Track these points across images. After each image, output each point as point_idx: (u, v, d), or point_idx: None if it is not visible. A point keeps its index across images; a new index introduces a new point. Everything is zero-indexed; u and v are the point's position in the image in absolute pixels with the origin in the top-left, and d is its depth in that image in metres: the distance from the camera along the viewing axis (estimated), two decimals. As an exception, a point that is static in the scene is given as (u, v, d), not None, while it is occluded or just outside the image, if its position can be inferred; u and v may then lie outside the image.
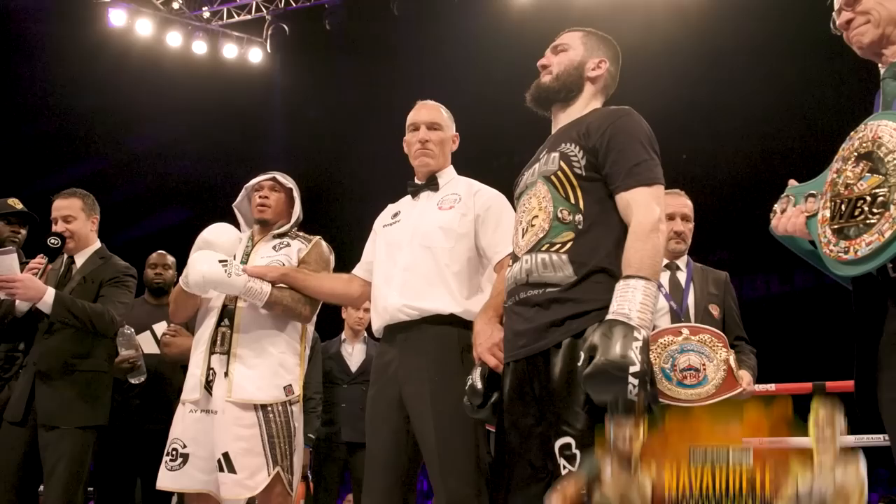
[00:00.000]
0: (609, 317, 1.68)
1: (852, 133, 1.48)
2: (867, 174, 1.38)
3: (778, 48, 8.30)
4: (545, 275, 1.86)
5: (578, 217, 1.87)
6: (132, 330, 3.42)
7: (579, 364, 1.67)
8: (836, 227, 1.43)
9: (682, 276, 2.79)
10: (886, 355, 1.48)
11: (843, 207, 1.42)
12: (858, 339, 1.55)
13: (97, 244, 3.24)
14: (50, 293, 2.90)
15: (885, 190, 1.33)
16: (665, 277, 2.78)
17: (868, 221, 1.35)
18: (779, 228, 1.67)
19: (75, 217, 3.15)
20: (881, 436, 3.93)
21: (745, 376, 2.59)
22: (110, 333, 3.09)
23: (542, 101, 2.09)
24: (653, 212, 1.81)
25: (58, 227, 3.11)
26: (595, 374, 1.61)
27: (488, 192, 2.45)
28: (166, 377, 3.54)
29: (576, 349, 1.76)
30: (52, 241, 3.01)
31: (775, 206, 1.70)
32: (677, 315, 2.66)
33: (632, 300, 1.68)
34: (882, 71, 1.59)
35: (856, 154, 1.43)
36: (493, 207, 2.41)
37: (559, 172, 1.92)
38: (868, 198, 1.36)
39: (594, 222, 1.86)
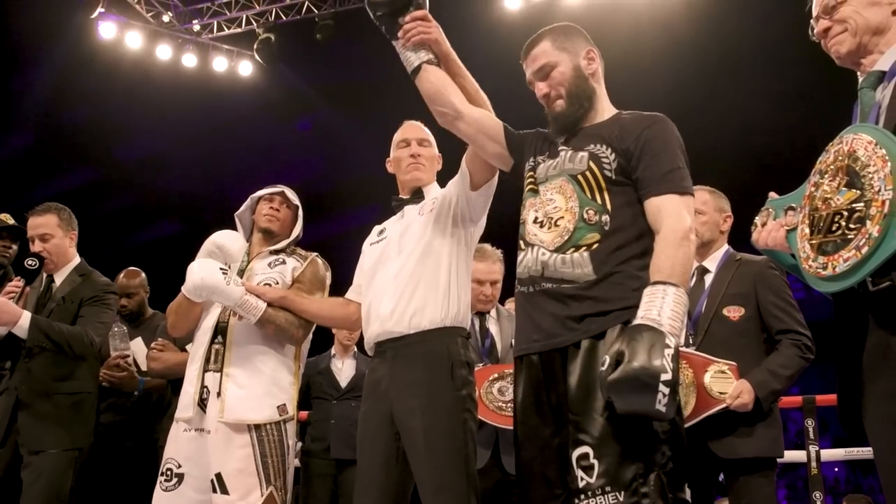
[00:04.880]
0: (638, 321, 1.63)
1: (829, 146, 1.48)
2: (843, 189, 1.38)
3: (764, 57, 8.36)
4: (562, 270, 1.83)
5: (605, 218, 1.84)
6: (125, 328, 3.41)
7: (602, 369, 1.62)
8: (814, 242, 1.43)
9: (709, 279, 2.66)
10: (870, 369, 1.48)
11: (820, 222, 1.42)
12: (840, 353, 1.55)
13: (76, 260, 3.17)
14: (25, 318, 2.84)
15: (862, 205, 1.33)
16: (691, 283, 2.62)
17: (846, 237, 1.35)
18: (759, 242, 1.67)
19: (52, 235, 3.08)
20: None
21: (737, 389, 2.41)
22: (90, 356, 3.04)
23: (571, 125, 1.99)
24: (685, 220, 1.78)
25: (35, 247, 3.03)
26: (623, 381, 1.55)
27: (455, 177, 2.44)
28: (151, 394, 3.52)
29: (595, 353, 1.74)
30: (30, 262, 2.94)
31: (756, 219, 1.70)
32: (689, 327, 2.56)
33: (662, 306, 1.63)
34: (860, 80, 1.60)
35: (832, 168, 1.43)
36: (454, 180, 2.41)
37: (587, 173, 1.88)
38: (845, 213, 1.36)
39: (620, 225, 1.84)
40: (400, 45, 2.20)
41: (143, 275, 3.88)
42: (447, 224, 2.36)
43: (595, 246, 1.83)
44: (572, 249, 1.84)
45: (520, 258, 1.98)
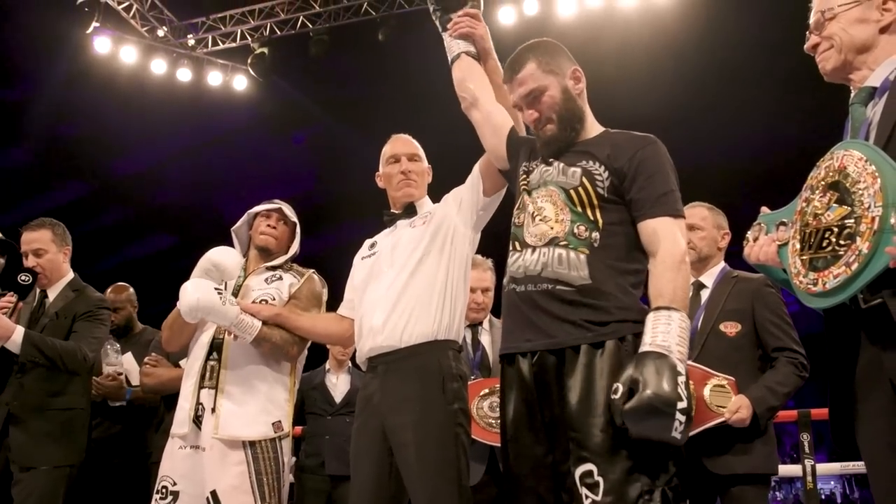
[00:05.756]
0: (648, 348, 1.65)
1: (819, 162, 1.49)
2: (834, 204, 1.39)
3: (758, 69, 8.41)
4: (559, 270, 1.84)
5: (595, 235, 1.85)
6: (118, 346, 3.40)
7: (616, 397, 1.63)
8: (805, 258, 1.44)
9: (705, 294, 2.69)
10: (862, 386, 1.48)
11: (811, 238, 1.42)
12: (832, 368, 1.55)
13: (70, 275, 3.17)
14: (19, 332, 2.84)
15: (852, 221, 1.34)
16: None
17: (836, 253, 1.35)
18: (751, 257, 1.68)
19: (46, 250, 3.08)
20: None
21: (735, 404, 2.42)
22: (83, 371, 3.02)
23: (563, 148, 1.98)
24: (680, 243, 1.81)
25: (28, 262, 3.04)
26: (640, 410, 1.58)
27: (452, 190, 2.46)
28: (145, 408, 3.50)
29: (593, 367, 1.74)
30: (23, 277, 2.94)
31: (748, 233, 1.71)
32: None
33: (670, 332, 1.66)
34: (852, 95, 1.61)
35: (823, 184, 1.44)
36: (457, 190, 2.43)
37: (580, 189, 1.89)
38: (835, 229, 1.37)
39: (610, 243, 1.85)
40: (447, 36, 2.38)
41: (131, 289, 3.88)
42: (444, 237, 2.36)
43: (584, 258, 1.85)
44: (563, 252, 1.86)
45: (513, 259, 1.97)
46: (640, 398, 1.57)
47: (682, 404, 1.57)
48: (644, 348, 1.67)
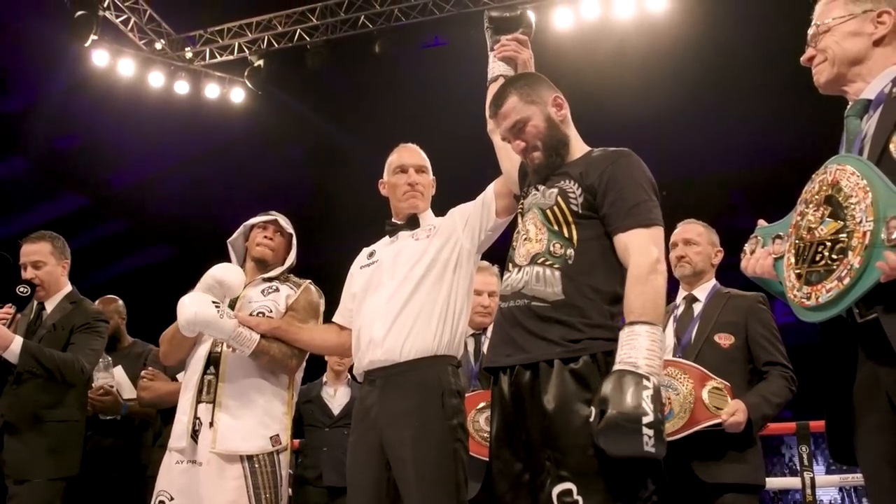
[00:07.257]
0: (617, 367, 1.67)
1: (814, 175, 1.50)
2: (827, 219, 1.40)
3: (752, 79, 8.44)
4: (535, 287, 1.88)
5: (570, 251, 1.89)
6: (109, 358, 3.40)
7: (591, 419, 1.66)
8: (799, 271, 1.44)
9: (697, 307, 2.74)
10: (861, 401, 1.49)
11: (805, 252, 1.43)
12: (828, 382, 1.56)
13: (68, 288, 3.18)
14: (17, 342, 2.84)
15: (845, 236, 1.35)
16: (680, 310, 2.76)
17: (829, 268, 1.36)
18: (748, 269, 1.68)
19: (45, 262, 3.09)
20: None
21: (733, 406, 2.43)
22: (80, 383, 3.02)
23: (551, 173, 2.03)
24: (650, 253, 1.82)
25: (27, 274, 3.05)
26: (608, 429, 1.60)
27: (458, 207, 2.49)
28: (136, 422, 3.50)
29: (567, 384, 1.76)
30: (22, 289, 2.95)
31: (745, 246, 1.72)
32: (678, 351, 2.63)
33: (638, 347, 1.67)
34: (847, 108, 1.62)
35: (817, 198, 1.45)
36: (464, 207, 2.45)
37: (555, 207, 1.94)
38: (828, 243, 1.38)
39: (584, 259, 1.88)
40: (492, 56, 2.42)
41: (120, 301, 3.88)
42: (449, 253, 2.37)
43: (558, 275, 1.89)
44: (542, 260, 1.90)
45: (505, 278, 2.03)
46: (606, 419, 1.60)
47: (647, 418, 1.57)
48: (615, 367, 1.69)
